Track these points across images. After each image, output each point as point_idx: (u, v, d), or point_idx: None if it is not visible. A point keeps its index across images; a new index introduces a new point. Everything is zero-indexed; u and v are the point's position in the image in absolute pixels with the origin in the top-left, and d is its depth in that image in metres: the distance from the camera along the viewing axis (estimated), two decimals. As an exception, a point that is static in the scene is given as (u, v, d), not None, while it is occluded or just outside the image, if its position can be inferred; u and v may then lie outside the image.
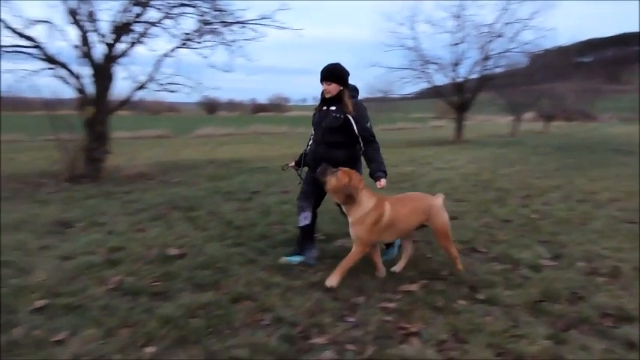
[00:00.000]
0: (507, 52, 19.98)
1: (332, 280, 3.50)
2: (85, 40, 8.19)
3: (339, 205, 3.87)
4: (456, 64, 20.46)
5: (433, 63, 20.59)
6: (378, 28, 36.76)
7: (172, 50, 8.92)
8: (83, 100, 8.43)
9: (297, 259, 4.08)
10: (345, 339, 2.78)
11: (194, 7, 8.68)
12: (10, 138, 19.58)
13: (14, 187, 7.72)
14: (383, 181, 3.81)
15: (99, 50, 8.43)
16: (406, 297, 3.37)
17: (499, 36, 19.53)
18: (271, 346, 2.66)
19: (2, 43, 7.60)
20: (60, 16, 8.51)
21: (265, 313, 3.09)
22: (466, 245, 4.63)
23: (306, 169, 4.22)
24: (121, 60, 8.63)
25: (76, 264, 3.89)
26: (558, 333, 2.87)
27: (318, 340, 2.75)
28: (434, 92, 23.36)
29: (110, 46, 8.39)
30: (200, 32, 8.84)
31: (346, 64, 3.91)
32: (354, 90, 4.08)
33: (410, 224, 3.79)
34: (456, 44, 20.08)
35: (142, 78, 8.93)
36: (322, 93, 3.95)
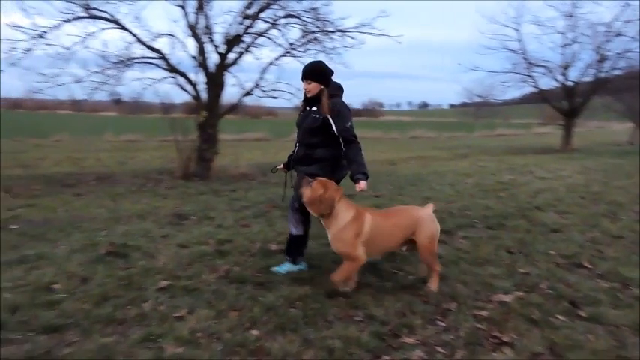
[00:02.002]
0: (628, 53, 18.12)
1: (338, 280, 3.50)
2: (201, 51, 9.05)
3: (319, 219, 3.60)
4: (566, 67, 19.04)
5: (540, 66, 19.32)
6: (479, 30, 35.11)
7: (277, 58, 9.51)
8: (197, 105, 9.30)
9: (284, 268, 3.96)
10: (435, 341, 2.85)
11: (298, 17, 9.17)
12: (130, 138, 21.93)
13: (138, 182, 8.77)
14: (363, 184, 3.58)
15: (213, 60, 9.27)
16: (500, 307, 3.34)
17: (618, 35, 17.79)
18: (363, 340, 2.82)
19: (134, 55, 8.68)
20: (181, 30, 9.46)
21: (358, 309, 3.26)
22: (569, 260, 4.40)
23: (294, 172, 4.06)
24: (231, 68, 9.39)
25: (191, 252, 4.39)
26: (670, 359, 2.68)
27: (408, 340, 2.86)
28: (539, 97, 21.85)
29: (222, 55, 9.18)
30: (303, 41, 9.30)
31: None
32: (338, 89, 3.89)
33: (394, 240, 3.59)
34: (567, 45, 18.70)
35: (249, 85, 9.63)
36: (304, 93, 3.80)
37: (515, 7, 31.23)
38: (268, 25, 9.28)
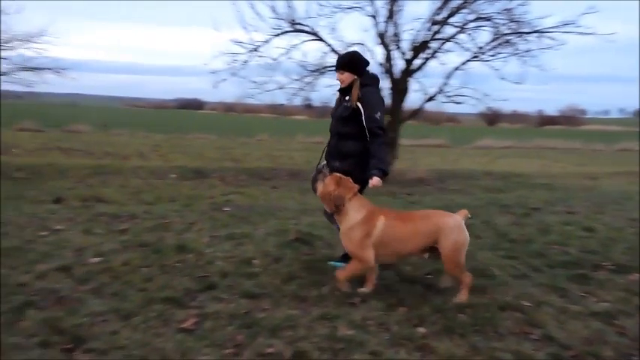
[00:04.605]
0: None
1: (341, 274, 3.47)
2: (388, 58, 9.40)
3: (330, 215, 3.64)
4: None
5: None
6: None
7: (463, 63, 9.29)
8: (381, 110, 9.69)
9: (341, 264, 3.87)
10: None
11: (490, 20, 8.81)
12: (318, 140, 23.72)
13: (323, 179, 9.56)
14: (375, 180, 3.48)
15: (398, 66, 9.55)
16: None
17: None
18: (537, 359, 2.66)
19: (328, 64, 9.49)
20: (371, 39, 9.97)
21: (534, 327, 3.07)
22: None
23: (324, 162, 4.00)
24: (416, 74, 9.53)
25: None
26: None
27: (594, 370, 2.59)
28: None
29: (408, 62, 9.38)
30: (493, 44, 8.90)
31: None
32: (373, 79, 3.87)
33: (411, 245, 3.36)
34: None
35: (432, 90, 9.62)
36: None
37: None
38: (457, 29, 9.15)
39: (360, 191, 3.60)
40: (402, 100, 9.61)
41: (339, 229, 3.58)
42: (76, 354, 2.54)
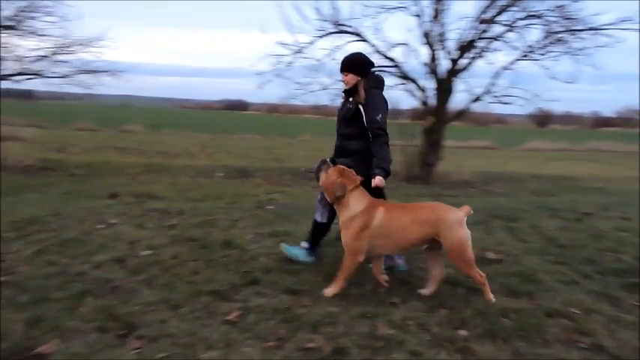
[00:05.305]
0: None
1: (329, 291, 3.39)
2: (433, 58, 9.29)
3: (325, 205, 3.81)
4: None
5: None
6: None
7: (512, 63, 9.04)
8: (425, 111, 9.58)
9: (294, 251, 4.08)
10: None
11: (540, 17, 8.52)
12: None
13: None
14: (377, 179, 3.51)
15: (443, 66, 9.41)
16: None
17: None
18: (586, 368, 2.58)
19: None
20: (415, 39, 9.89)
21: (583, 336, 2.96)
22: None
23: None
24: (462, 74, 9.35)
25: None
26: None
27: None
28: None
29: (454, 61, 9.23)
30: (544, 43, 8.60)
31: None
32: (378, 81, 3.89)
33: (410, 237, 3.35)
34: None
35: (478, 90, 9.42)
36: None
37: None
38: (505, 28, 8.91)
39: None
40: (446, 101, 9.47)
41: (315, 221, 4.02)
42: (129, 339, 2.70)
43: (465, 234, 3.35)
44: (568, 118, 62.85)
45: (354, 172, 3.53)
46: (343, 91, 3.98)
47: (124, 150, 14.35)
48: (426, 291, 3.51)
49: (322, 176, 3.57)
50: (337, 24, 9.24)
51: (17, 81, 9.99)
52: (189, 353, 2.58)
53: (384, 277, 3.65)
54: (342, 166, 3.56)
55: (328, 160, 3.80)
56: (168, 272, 3.72)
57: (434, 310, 3.24)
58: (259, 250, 4.35)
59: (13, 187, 7.30)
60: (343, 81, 3.89)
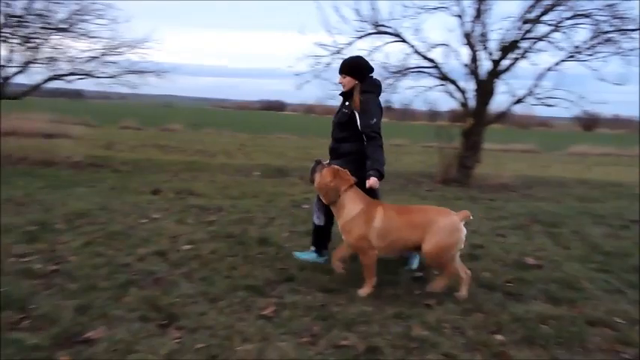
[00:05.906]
0: None
1: (363, 291, 3.40)
2: (474, 59, 9.12)
3: (322, 206, 3.81)
4: None
5: None
6: None
7: (557, 64, 8.76)
8: (465, 113, 9.42)
9: (306, 256, 4.08)
10: None
11: (589, 17, 8.21)
12: (397, 142, 23.53)
13: (401, 182, 9.50)
14: (372, 180, 3.55)
15: (484, 67, 9.22)
16: None
17: None
18: (629, 379, 2.49)
19: (410, 65, 9.41)
20: (455, 39, 9.76)
21: (627, 346, 2.86)
22: None
23: None
24: (503, 75, 9.14)
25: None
26: None
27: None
28: None
29: (495, 62, 9.03)
30: (592, 43, 8.29)
31: None
32: (375, 86, 3.93)
33: (408, 237, 3.36)
34: None
35: (521, 92, 9.17)
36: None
37: None
38: (551, 28, 8.63)
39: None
40: (487, 103, 9.28)
41: (315, 224, 4.03)
42: (170, 329, 2.81)
43: (456, 239, 3.34)
44: (616, 122, 59.93)
45: (348, 172, 3.56)
46: (340, 94, 4.04)
47: (166, 148, 14.82)
48: (460, 294, 3.47)
49: (317, 177, 3.57)
50: (376, 25, 9.20)
51: (69, 81, 10.48)
52: (226, 345, 2.66)
53: (339, 265, 3.70)
54: (336, 167, 3.58)
55: (323, 160, 3.84)
56: (207, 266, 3.84)
57: (469, 314, 3.20)
58: (295, 249, 4.42)
59: (64, 181, 7.70)
60: (341, 83, 3.95)
